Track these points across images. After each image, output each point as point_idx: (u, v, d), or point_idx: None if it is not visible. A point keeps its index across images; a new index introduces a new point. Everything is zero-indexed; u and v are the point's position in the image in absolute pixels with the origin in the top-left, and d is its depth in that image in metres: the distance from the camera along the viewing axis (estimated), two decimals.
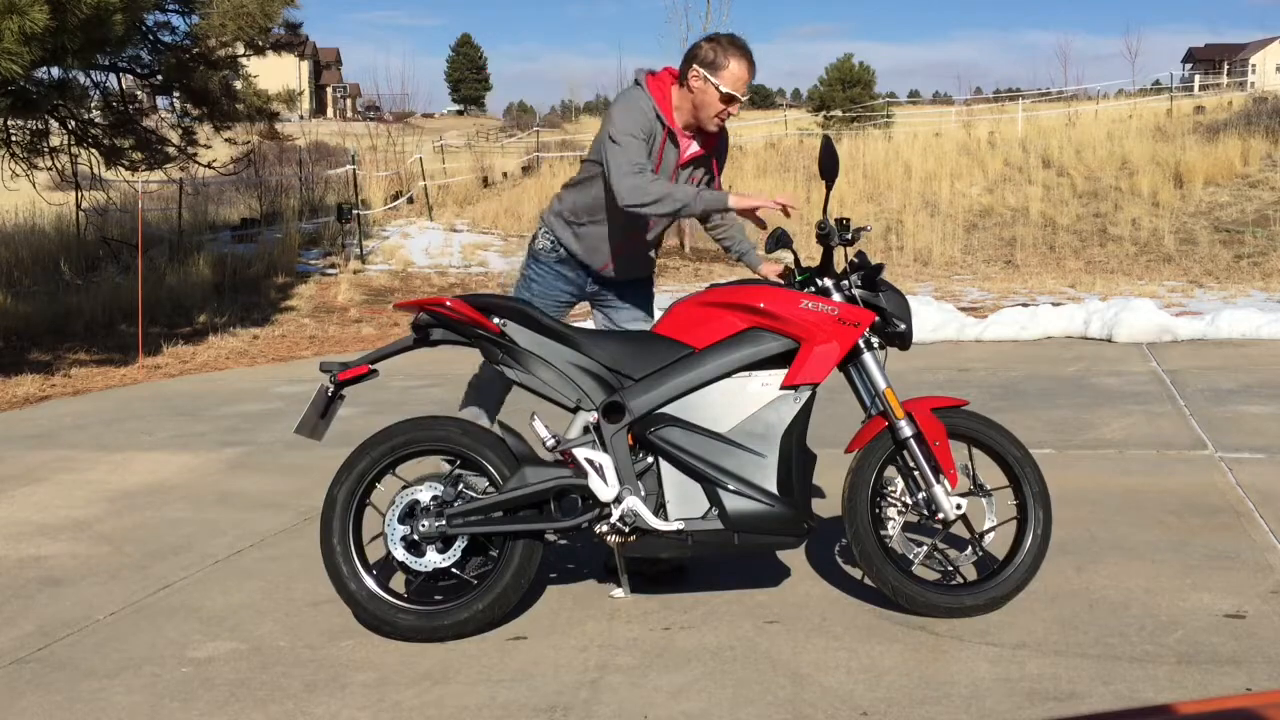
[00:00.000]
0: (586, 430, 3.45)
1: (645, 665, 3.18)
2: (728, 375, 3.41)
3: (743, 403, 3.40)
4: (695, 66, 3.60)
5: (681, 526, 3.35)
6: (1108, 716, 2.70)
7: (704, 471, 3.36)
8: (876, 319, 3.47)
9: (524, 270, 4.03)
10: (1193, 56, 76.34)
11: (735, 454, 3.37)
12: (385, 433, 3.48)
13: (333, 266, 15.02)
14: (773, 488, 3.36)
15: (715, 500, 3.36)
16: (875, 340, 3.51)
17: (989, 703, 2.90)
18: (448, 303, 3.46)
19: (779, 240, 3.45)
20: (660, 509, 3.38)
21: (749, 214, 3.65)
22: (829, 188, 3.51)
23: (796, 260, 3.61)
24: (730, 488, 3.34)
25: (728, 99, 3.62)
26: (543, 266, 3.96)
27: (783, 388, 3.39)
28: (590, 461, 3.36)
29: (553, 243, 3.93)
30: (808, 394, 3.40)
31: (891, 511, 3.48)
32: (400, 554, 3.40)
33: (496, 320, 3.46)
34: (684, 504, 3.38)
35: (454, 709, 2.98)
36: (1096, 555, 3.99)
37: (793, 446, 3.39)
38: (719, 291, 3.50)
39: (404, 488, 3.44)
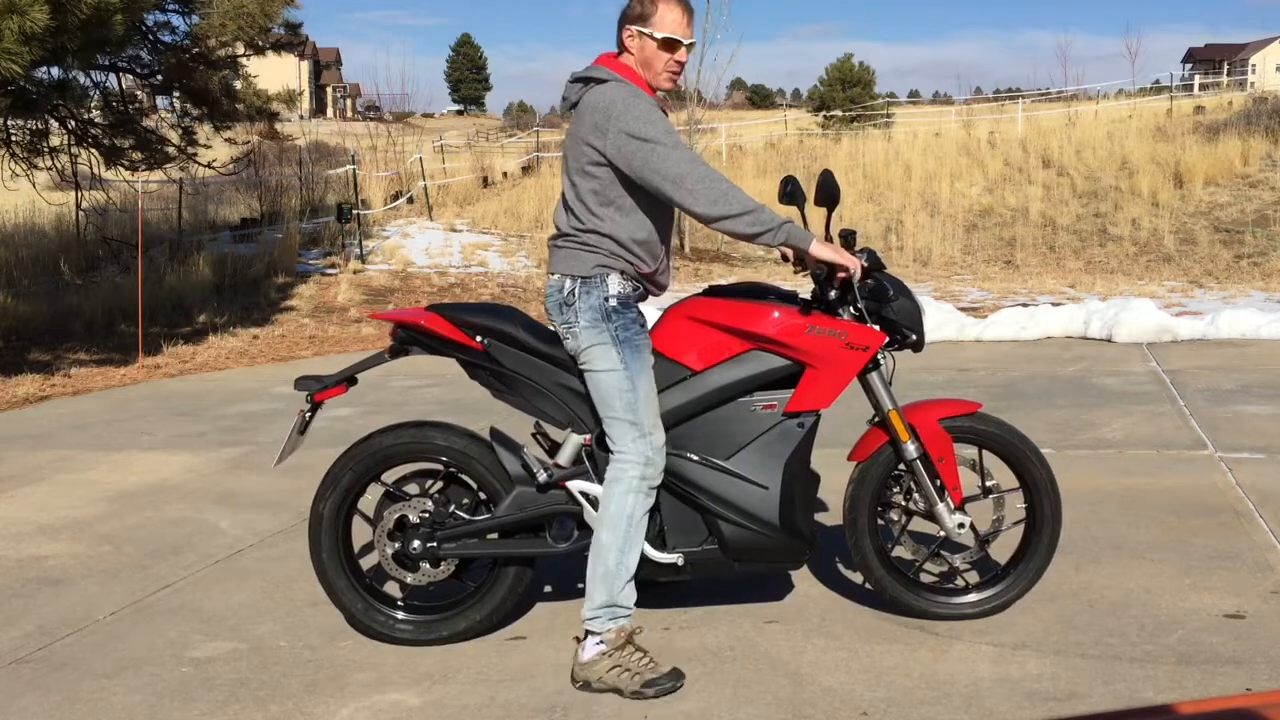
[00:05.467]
0: (579, 458, 3.32)
1: None
2: (729, 400, 3.25)
3: (744, 431, 3.26)
4: (627, 26, 3.19)
5: (679, 560, 3.25)
6: (1108, 716, 2.70)
7: (703, 504, 3.24)
8: (886, 339, 3.29)
9: (607, 336, 3.13)
10: (1193, 56, 76.27)
11: (736, 485, 3.24)
12: (367, 443, 3.36)
13: (333, 266, 15.01)
14: (775, 520, 3.24)
15: (715, 531, 3.25)
16: (880, 355, 3.34)
17: (989, 703, 2.90)
18: (422, 321, 3.30)
19: (791, 193, 3.18)
20: (658, 537, 3.26)
21: (818, 262, 3.19)
22: (829, 213, 3.30)
23: (804, 219, 3.32)
24: (731, 520, 3.23)
25: (668, 44, 3.14)
26: (630, 315, 3.19)
27: (786, 414, 3.25)
28: (585, 495, 3.28)
29: (626, 279, 3.19)
30: (812, 420, 3.28)
31: (894, 514, 3.46)
32: (394, 570, 3.37)
33: (479, 338, 3.28)
34: (682, 534, 3.27)
35: (454, 709, 2.99)
36: (1096, 555, 3.99)
37: (795, 475, 3.27)
38: (718, 304, 3.27)
39: (392, 501, 3.37)
